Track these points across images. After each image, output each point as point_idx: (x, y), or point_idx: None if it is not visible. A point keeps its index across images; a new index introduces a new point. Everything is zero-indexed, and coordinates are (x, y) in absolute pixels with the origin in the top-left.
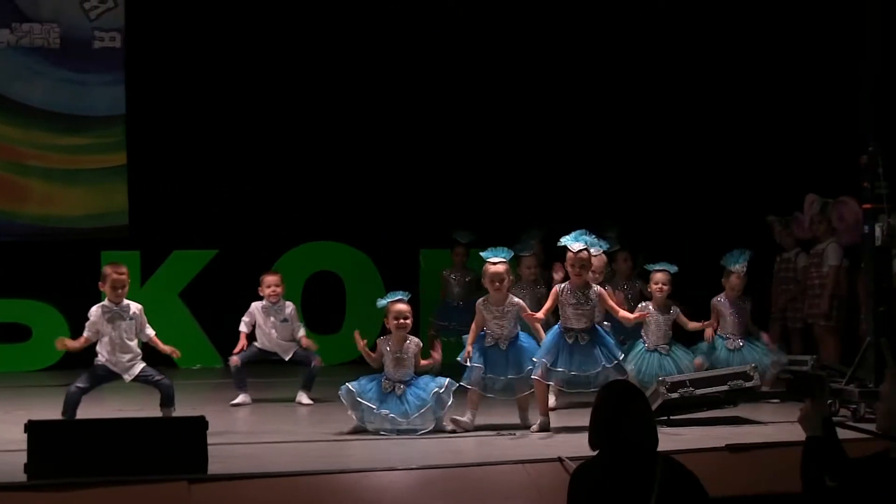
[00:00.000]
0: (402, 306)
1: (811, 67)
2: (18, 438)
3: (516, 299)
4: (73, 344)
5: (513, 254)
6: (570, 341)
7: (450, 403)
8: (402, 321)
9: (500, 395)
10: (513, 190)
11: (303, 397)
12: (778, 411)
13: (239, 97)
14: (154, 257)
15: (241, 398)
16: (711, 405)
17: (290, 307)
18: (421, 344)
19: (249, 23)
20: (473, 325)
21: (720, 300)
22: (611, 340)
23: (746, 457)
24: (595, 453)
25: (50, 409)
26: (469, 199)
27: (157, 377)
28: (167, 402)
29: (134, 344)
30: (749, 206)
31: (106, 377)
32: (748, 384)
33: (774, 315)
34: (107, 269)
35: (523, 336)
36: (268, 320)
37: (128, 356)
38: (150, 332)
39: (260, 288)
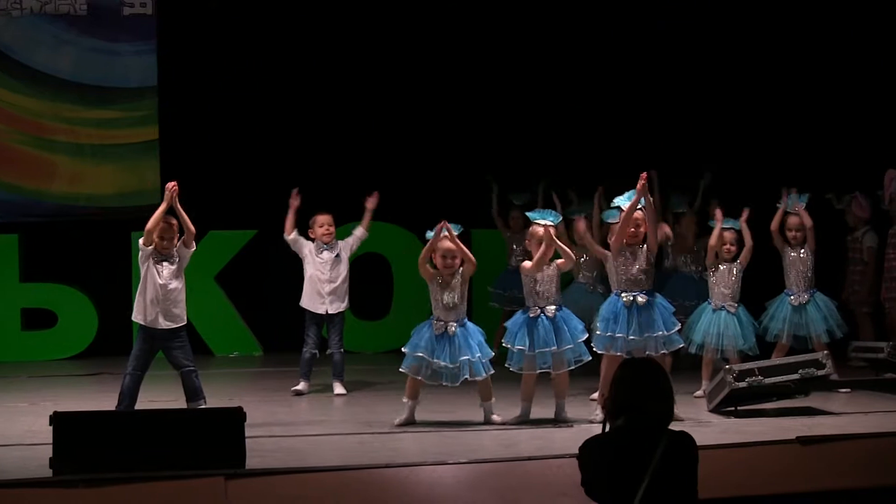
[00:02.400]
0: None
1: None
2: (44, 431)
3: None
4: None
5: (560, 218)
6: (627, 306)
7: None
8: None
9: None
10: (573, 171)
11: (338, 387)
12: (851, 401)
13: (278, 68)
14: None
15: (301, 385)
16: (781, 395)
17: (341, 244)
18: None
19: None
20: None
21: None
22: (670, 309)
23: (819, 449)
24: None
25: (77, 400)
26: (524, 181)
27: (186, 362)
28: (193, 395)
29: (180, 297)
30: (828, 182)
31: (151, 347)
32: (820, 372)
33: (845, 297)
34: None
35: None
36: (318, 257)
37: (172, 308)
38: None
39: (310, 230)
